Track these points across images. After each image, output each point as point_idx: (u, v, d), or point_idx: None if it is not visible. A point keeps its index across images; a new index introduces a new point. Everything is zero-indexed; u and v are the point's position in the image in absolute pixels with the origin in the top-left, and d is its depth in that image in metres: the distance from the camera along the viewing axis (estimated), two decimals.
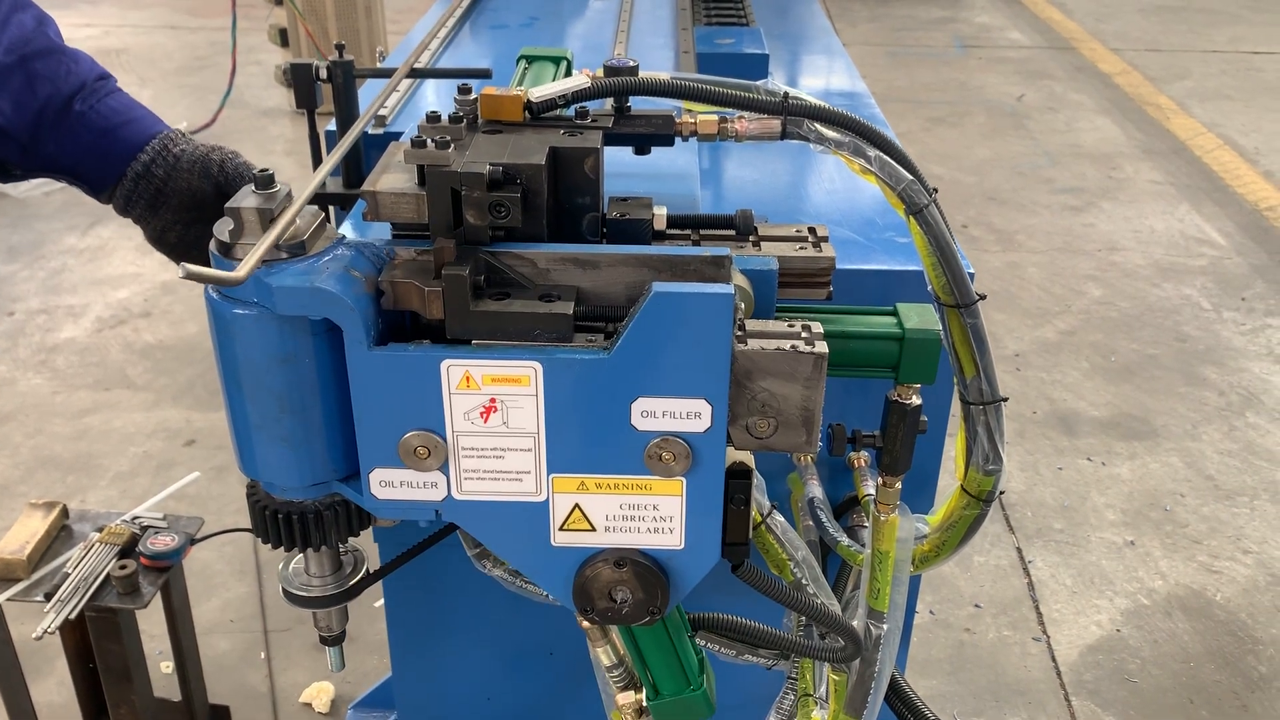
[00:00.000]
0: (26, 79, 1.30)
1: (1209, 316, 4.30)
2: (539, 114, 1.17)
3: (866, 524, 1.48)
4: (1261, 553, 3.07)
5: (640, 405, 1.00)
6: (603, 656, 1.22)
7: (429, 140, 1.04)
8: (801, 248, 1.15)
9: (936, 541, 1.29)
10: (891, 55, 7.60)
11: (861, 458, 1.51)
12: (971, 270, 1.42)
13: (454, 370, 0.99)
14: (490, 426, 1.02)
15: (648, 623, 1.09)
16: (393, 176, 1.11)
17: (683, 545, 1.07)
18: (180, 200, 1.38)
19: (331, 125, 1.75)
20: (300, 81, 1.59)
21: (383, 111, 1.81)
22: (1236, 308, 4.36)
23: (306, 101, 1.62)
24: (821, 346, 0.99)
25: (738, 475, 1.05)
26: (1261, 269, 4.69)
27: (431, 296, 1.00)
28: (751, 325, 1.04)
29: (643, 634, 1.19)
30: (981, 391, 1.16)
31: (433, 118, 1.13)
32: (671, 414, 1.00)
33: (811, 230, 1.18)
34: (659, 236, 1.16)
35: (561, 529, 1.07)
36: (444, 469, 1.04)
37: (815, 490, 1.48)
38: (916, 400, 1.14)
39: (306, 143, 1.67)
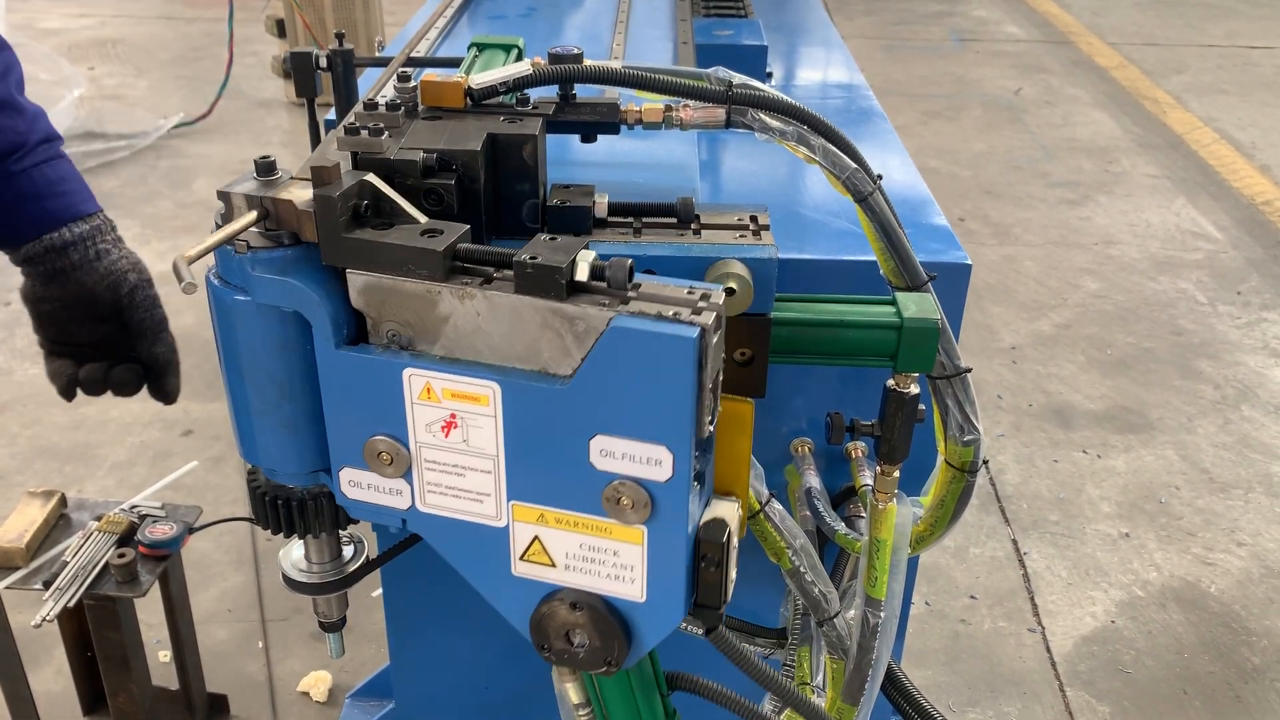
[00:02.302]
0: None
1: (1205, 310, 4.31)
2: (480, 101, 1.15)
3: (864, 514, 1.49)
4: (1256, 545, 3.08)
5: (599, 443, 0.93)
6: (571, 693, 1.16)
7: (363, 128, 1.03)
8: (741, 236, 1.13)
9: (930, 520, 1.30)
10: (888, 49, 7.59)
11: (859, 448, 1.52)
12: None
13: (415, 380, 0.96)
14: (451, 442, 0.98)
15: (605, 673, 1.04)
16: None
17: (644, 598, 0.99)
18: (78, 292, 1.35)
19: (330, 115, 1.75)
20: (300, 70, 1.60)
21: (381, 99, 1.81)
22: (1232, 301, 4.37)
23: (306, 90, 1.62)
24: (701, 318, 0.88)
25: (713, 533, 0.97)
26: (1257, 263, 4.70)
27: (305, 217, 0.95)
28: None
29: (605, 682, 1.13)
30: (943, 365, 1.17)
31: (370, 105, 1.12)
32: (631, 457, 0.92)
33: (754, 218, 1.17)
34: (600, 224, 1.15)
35: (522, 559, 1.01)
36: (408, 477, 1.01)
37: (812, 481, 1.49)
38: (915, 389, 1.15)
39: (303, 134, 1.67)
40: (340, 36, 1.63)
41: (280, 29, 6.04)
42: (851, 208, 1.58)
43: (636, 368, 0.88)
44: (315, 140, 1.68)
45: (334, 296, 0.97)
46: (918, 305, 1.12)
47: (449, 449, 0.98)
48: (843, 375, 1.50)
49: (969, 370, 1.18)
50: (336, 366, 0.98)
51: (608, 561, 0.98)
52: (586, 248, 0.93)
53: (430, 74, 1.17)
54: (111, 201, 5.04)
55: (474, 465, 0.98)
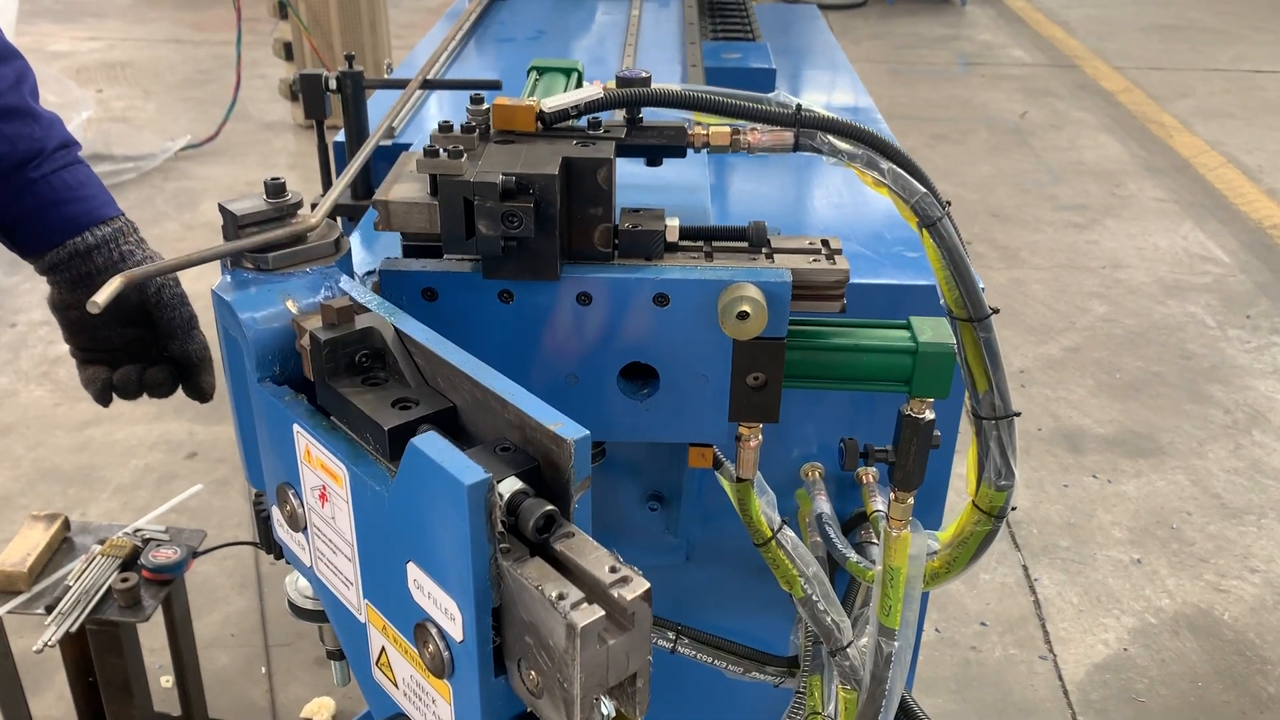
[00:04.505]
0: None
1: (1214, 334, 4.29)
2: (551, 124, 1.16)
3: (875, 540, 1.47)
4: (1269, 571, 3.05)
5: (412, 571, 0.81)
6: None
7: (441, 150, 1.03)
8: (815, 260, 1.13)
9: (947, 558, 1.28)
10: (894, 72, 7.62)
11: (870, 473, 1.50)
12: (982, 285, 1.42)
13: (300, 438, 0.90)
14: (326, 513, 0.91)
15: None
16: (405, 186, 1.10)
17: None
18: None
19: (339, 137, 1.74)
20: (309, 92, 1.59)
21: (392, 123, 1.81)
22: (1241, 325, 4.35)
23: (315, 111, 1.62)
24: (579, 615, 0.71)
25: None
26: (1266, 287, 4.68)
27: (303, 352, 0.93)
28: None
29: None
30: (994, 406, 1.15)
31: (445, 128, 1.12)
32: (433, 599, 0.80)
33: (825, 243, 1.17)
34: (671, 249, 1.15)
35: (376, 665, 0.92)
36: (306, 535, 0.96)
37: (823, 506, 1.47)
38: (930, 415, 1.13)
39: (309, 156, 1.67)
40: (350, 58, 1.63)
41: (288, 52, 6.07)
42: (861, 229, 1.58)
43: (431, 499, 0.77)
44: (324, 161, 1.68)
45: (265, 333, 0.94)
46: (933, 330, 1.10)
47: (325, 521, 0.91)
48: (855, 400, 1.48)
49: (1018, 414, 1.16)
50: (259, 400, 0.95)
51: (429, 708, 0.86)
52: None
53: (501, 98, 1.17)
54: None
55: (340, 546, 0.90)
